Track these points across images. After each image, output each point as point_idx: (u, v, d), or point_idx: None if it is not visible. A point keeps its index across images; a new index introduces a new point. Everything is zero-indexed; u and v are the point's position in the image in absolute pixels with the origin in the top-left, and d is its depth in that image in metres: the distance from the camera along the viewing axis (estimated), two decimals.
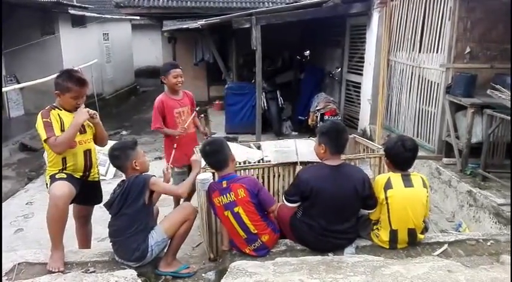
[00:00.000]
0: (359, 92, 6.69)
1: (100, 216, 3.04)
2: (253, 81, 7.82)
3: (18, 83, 9.08)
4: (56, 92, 2.75)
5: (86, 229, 3.19)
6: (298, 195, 2.63)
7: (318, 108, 6.35)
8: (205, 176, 2.81)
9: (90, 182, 2.97)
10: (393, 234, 2.65)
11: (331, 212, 2.60)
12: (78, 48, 10.14)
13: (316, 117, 6.47)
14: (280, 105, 7.25)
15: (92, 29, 11.37)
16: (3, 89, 5.53)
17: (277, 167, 3.17)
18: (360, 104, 6.62)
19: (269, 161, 3.20)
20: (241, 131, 7.22)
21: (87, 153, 2.89)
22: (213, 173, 3.04)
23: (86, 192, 2.93)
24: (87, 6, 10.33)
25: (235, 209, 2.61)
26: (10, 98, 8.98)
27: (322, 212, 2.61)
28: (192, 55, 10.54)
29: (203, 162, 3.15)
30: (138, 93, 15.29)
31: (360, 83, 6.58)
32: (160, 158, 6.67)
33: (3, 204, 4.61)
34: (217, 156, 2.68)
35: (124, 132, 9.41)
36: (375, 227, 2.73)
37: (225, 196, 2.63)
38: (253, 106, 7.30)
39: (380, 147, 3.52)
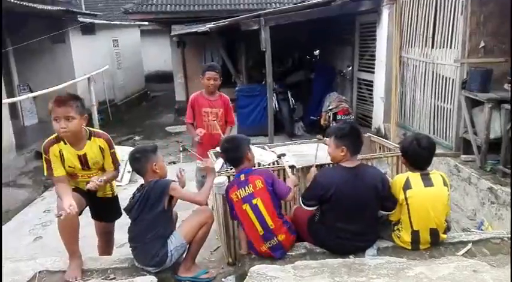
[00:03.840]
0: (371, 90, 6.62)
1: (119, 222, 3.04)
2: (263, 82, 7.82)
3: (31, 91, 9.19)
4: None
5: (108, 246, 3.19)
6: (316, 199, 2.60)
7: (330, 107, 6.30)
8: (221, 179, 2.81)
9: (101, 198, 2.94)
10: (415, 235, 2.60)
11: (351, 214, 2.56)
12: (88, 55, 10.23)
13: (329, 117, 6.42)
14: (292, 106, 7.22)
15: (101, 36, 11.46)
16: (17, 99, 5.57)
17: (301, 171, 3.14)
18: (372, 102, 6.56)
19: (292, 166, 3.15)
20: (253, 133, 7.16)
21: (87, 181, 2.76)
22: (228, 177, 3.03)
23: (99, 207, 2.94)
24: (96, 13, 10.41)
25: (254, 201, 2.61)
26: (24, 107, 9.09)
27: (342, 215, 2.57)
28: (201, 58, 10.57)
29: (218, 165, 3.15)
30: (148, 98, 15.38)
31: (371, 81, 6.51)
32: (174, 163, 6.68)
33: (21, 213, 4.66)
34: (234, 153, 2.72)
35: (137, 138, 9.46)
36: (395, 228, 2.68)
37: (243, 189, 2.64)
38: (265, 108, 7.29)
39: (396, 145, 3.47)
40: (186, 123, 4.01)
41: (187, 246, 2.71)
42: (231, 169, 3.24)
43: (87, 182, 2.70)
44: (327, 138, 2.74)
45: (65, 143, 2.64)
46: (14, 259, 3.33)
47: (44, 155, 2.61)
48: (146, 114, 12.46)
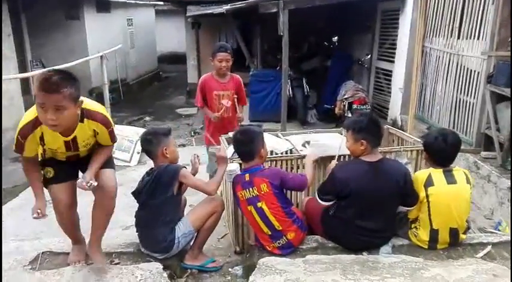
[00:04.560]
0: (389, 80, 6.42)
1: (126, 203, 2.95)
2: (278, 68, 7.65)
3: (44, 67, 9.14)
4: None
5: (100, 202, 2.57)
6: (333, 194, 2.48)
7: (346, 96, 6.11)
8: (233, 166, 2.70)
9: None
10: (434, 234, 2.47)
11: (370, 211, 2.44)
12: (102, 33, 10.11)
13: (344, 106, 6.24)
14: (306, 93, 7.05)
15: (116, 14, 11.33)
16: (29, 74, 5.49)
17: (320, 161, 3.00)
18: (390, 92, 6.36)
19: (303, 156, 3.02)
20: (265, 119, 7.07)
21: (74, 157, 2.40)
22: (240, 164, 2.92)
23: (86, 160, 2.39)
24: None
25: (259, 205, 2.49)
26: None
27: (360, 211, 2.44)
28: (216, 41, 10.38)
29: (230, 151, 3.04)
30: (160, 79, 15.28)
31: (390, 71, 6.31)
32: (183, 145, 6.60)
33: (26, 190, 4.61)
34: (245, 146, 2.56)
35: (147, 118, 9.38)
36: (412, 226, 2.57)
37: (247, 190, 2.51)
38: (278, 94, 7.13)
39: (416, 139, 3.32)
40: (198, 106, 3.87)
41: (195, 233, 2.63)
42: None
43: (70, 157, 2.37)
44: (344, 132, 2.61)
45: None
46: (18, 238, 3.30)
47: (17, 136, 2.16)
48: (157, 95, 12.37)
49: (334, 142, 3.30)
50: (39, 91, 1.96)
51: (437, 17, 5.16)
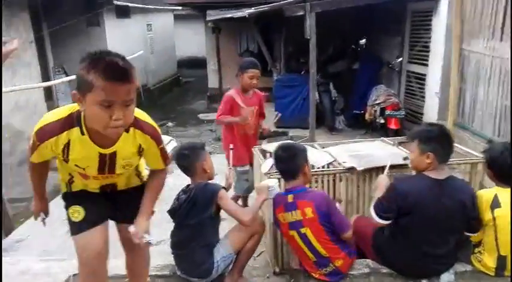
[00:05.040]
0: (422, 84, 6.13)
1: (157, 219, 2.79)
2: (302, 72, 7.43)
3: (66, 74, 9.13)
4: (74, 93, 1.53)
5: (141, 264, 2.19)
6: (393, 212, 2.23)
7: (377, 102, 5.86)
8: (271, 182, 2.51)
9: (123, 190, 2.02)
10: (501, 260, 2.23)
11: (433, 234, 2.20)
12: (122, 39, 10.08)
13: (375, 111, 5.99)
14: (333, 98, 6.82)
15: (136, 20, 11.31)
16: (53, 82, 5.42)
17: (362, 174, 2.79)
18: (423, 97, 6.07)
19: (352, 168, 2.79)
20: (291, 125, 6.87)
21: (110, 186, 1.97)
22: (279, 179, 2.73)
23: (122, 202, 2.01)
24: None
25: (302, 230, 2.28)
26: (58, 89, 9.03)
27: (422, 233, 2.20)
28: (236, 45, 10.25)
29: (266, 165, 2.85)
30: (180, 83, 15.24)
31: (424, 75, 6.02)
32: (210, 153, 6.42)
33: (53, 202, 4.49)
34: (288, 164, 2.34)
35: (170, 124, 9.30)
36: (476, 250, 2.33)
37: (290, 213, 2.30)
38: (304, 99, 6.93)
39: (468, 151, 3.06)
40: (218, 120, 3.61)
41: (235, 256, 2.44)
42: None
43: (105, 184, 1.92)
44: (408, 142, 2.37)
45: (83, 133, 1.64)
46: (46, 258, 3.16)
47: (33, 139, 1.68)
48: (178, 100, 12.30)
49: (379, 152, 3.08)
50: (106, 81, 1.43)
51: (476, 18, 4.86)
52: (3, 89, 2.86)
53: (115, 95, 1.47)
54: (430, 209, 2.16)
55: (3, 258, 3.24)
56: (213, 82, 11.22)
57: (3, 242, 3.56)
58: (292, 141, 2.87)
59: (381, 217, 2.26)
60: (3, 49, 1.68)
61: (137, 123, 1.71)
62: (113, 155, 1.73)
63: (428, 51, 5.87)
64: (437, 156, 2.18)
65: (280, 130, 6.67)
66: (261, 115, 3.78)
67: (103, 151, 1.71)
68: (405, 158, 2.83)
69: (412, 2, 6.05)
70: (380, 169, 2.75)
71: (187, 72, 16.13)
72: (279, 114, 3.72)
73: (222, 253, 2.37)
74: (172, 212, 2.42)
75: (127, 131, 1.70)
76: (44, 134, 1.64)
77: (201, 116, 9.93)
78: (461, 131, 5.11)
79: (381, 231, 2.35)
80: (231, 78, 10.88)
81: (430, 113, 5.79)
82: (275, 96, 7.17)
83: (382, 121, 5.84)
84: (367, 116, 6.16)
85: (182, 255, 2.40)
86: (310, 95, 5.83)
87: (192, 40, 16.28)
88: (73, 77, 5.53)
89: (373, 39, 7.17)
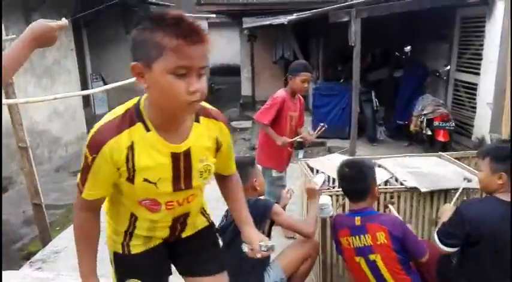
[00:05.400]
0: (472, 94, 5.76)
1: None
2: (341, 80, 7.19)
3: (104, 81, 9.25)
4: (135, 65, 1.20)
5: None
6: (459, 239, 1.98)
7: (424, 112, 5.53)
8: (324, 200, 2.31)
9: (189, 236, 1.63)
10: None
11: (506, 264, 1.93)
12: None
13: (421, 122, 5.66)
14: (376, 108, 6.53)
15: None
16: (91, 91, 5.41)
17: (423, 194, 2.54)
18: (473, 107, 5.70)
19: (414, 188, 2.54)
20: (329, 135, 6.60)
21: (181, 219, 1.53)
22: (331, 196, 2.52)
23: (190, 252, 1.64)
24: (168, 4, 10.29)
25: (371, 257, 2.05)
26: (96, 96, 9.16)
27: (495, 264, 1.93)
28: (272, 52, 10.12)
29: (318, 181, 2.64)
30: (212, 91, 15.23)
31: (474, 84, 5.66)
32: None
33: None
34: (357, 184, 2.12)
35: None
36: None
37: (357, 237, 2.07)
38: (344, 109, 6.69)
39: None
40: (262, 123, 3.36)
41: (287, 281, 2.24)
42: (333, 187, 2.73)
43: (177, 216, 1.48)
44: (479, 160, 2.12)
45: (148, 129, 1.28)
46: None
47: (85, 153, 1.28)
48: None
49: (441, 171, 2.82)
50: (180, 41, 1.11)
51: None
52: (46, 97, 2.78)
53: (192, 59, 1.14)
54: (504, 237, 1.89)
55: (41, 271, 3.17)
56: (246, 90, 11.13)
57: (41, 252, 3.50)
58: (358, 157, 2.65)
59: (445, 244, 2.02)
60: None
61: (205, 111, 1.39)
62: (188, 154, 1.34)
63: (479, 59, 5.51)
64: (511, 177, 1.93)
65: (319, 140, 6.43)
66: (300, 123, 3.60)
67: (176, 149, 1.31)
68: (466, 179, 2.58)
69: (463, 7, 5.72)
70: (444, 192, 2.52)
71: (220, 80, 16.12)
72: (325, 126, 3.51)
73: (273, 277, 2.18)
74: (221, 230, 2.24)
75: (197, 120, 1.36)
76: (100, 140, 1.24)
77: (234, 123, 9.80)
78: None
79: (447, 258, 2.10)
80: (264, 86, 10.78)
81: (482, 124, 5.42)
82: (313, 105, 6.95)
83: (429, 133, 5.51)
84: (412, 127, 5.84)
85: (231, 279, 2.22)
86: (352, 105, 5.58)
87: (225, 47, 16.30)
88: (112, 85, 5.53)
89: (418, 46, 6.84)
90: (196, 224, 1.62)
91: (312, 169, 3.02)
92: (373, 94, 6.52)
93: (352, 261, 2.13)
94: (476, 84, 5.61)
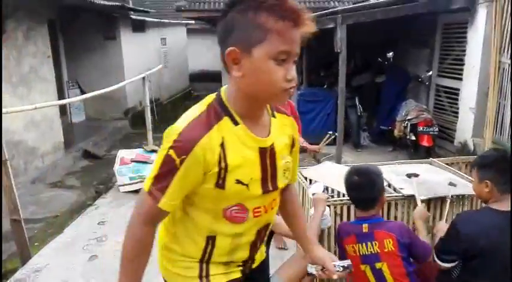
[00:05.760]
0: (453, 99, 5.86)
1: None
2: (325, 86, 7.19)
3: (80, 88, 9.00)
4: (232, 50, 1.08)
5: None
6: (457, 254, 1.94)
7: (409, 117, 5.57)
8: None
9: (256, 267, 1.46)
10: None
11: (506, 276, 1.90)
12: (138, 53, 9.97)
13: (404, 127, 5.70)
14: (360, 113, 6.55)
15: (151, 34, 11.21)
16: (67, 101, 5.23)
17: (424, 203, 2.50)
18: (455, 112, 5.79)
19: (411, 195, 2.51)
20: (314, 141, 6.57)
21: (263, 233, 1.36)
22: (329, 206, 2.47)
23: None
24: (148, 10, 10.13)
25: (378, 265, 2.00)
26: (72, 104, 8.89)
27: (494, 277, 1.91)
28: None
29: (315, 189, 2.59)
30: (192, 97, 15.08)
31: (456, 89, 5.75)
32: None
33: (73, 224, 4.26)
34: (366, 192, 2.06)
35: None
36: None
37: (364, 245, 2.02)
38: (328, 114, 6.68)
39: None
40: None
41: None
42: (332, 196, 2.67)
43: (261, 227, 1.32)
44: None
45: (236, 123, 1.16)
46: None
47: (168, 155, 1.10)
48: None
49: (434, 178, 2.80)
50: (286, 24, 1.04)
51: None
52: (26, 107, 2.62)
53: (294, 44, 1.07)
54: (503, 250, 1.86)
55: None
56: None
57: (20, 271, 3.30)
58: (367, 164, 2.60)
59: (443, 260, 1.98)
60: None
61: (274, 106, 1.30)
62: (272, 150, 1.24)
63: (461, 65, 5.61)
64: (496, 185, 1.91)
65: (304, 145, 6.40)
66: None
67: (263, 144, 1.20)
68: (451, 184, 2.57)
69: (445, 13, 5.81)
70: (440, 199, 2.51)
71: (198, 86, 15.98)
72: (334, 135, 3.41)
73: None
74: None
75: (273, 115, 1.28)
76: (190, 138, 1.09)
77: None
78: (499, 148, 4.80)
79: (447, 272, 2.05)
80: None
81: (464, 129, 5.51)
82: (298, 111, 6.90)
83: (413, 138, 5.55)
84: (396, 132, 5.88)
85: None
86: (339, 110, 5.57)
87: (204, 53, 16.20)
88: (90, 94, 5.34)
89: (400, 51, 6.93)
90: (262, 250, 1.44)
91: (305, 178, 2.96)
92: (357, 99, 6.54)
93: (357, 270, 2.06)
94: (458, 89, 5.70)
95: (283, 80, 1.08)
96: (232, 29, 1.08)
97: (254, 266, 1.42)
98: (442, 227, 2.21)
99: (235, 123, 1.16)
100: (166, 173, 1.11)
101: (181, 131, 1.10)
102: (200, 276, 1.27)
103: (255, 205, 1.24)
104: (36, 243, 4.17)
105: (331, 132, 3.47)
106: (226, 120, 1.15)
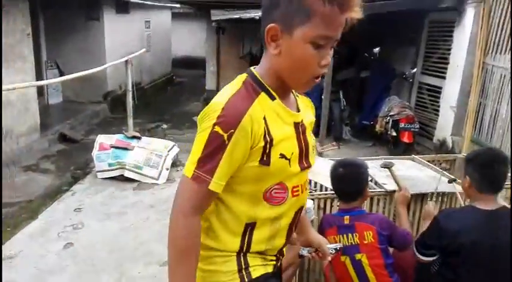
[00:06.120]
0: (435, 97, 5.94)
1: (159, 232, 2.48)
2: None
3: (59, 69, 8.73)
4: (272, 27, 1.06)
5: None
6: (437, 249, 1.96)
7: (391, 113, 5.62)
8: (307, 204, 2.23)
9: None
10: None
11: (487, 275, 1.94)
12: (120, 35, 9.69)
13: (386, 123, 5.75)
14: (343, 108, 6.58)
15: (135, 16, 10.93)
16: (46, 82, 5.05)
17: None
18: (436, 110, 5.88)
19: (393, 192, 2.52)
20: None
21: (298, 215, 1.31)
22: (313, 199, 2.46)
23: None
24: None
25: (357, 256, 2.02)
26: (50, 84, 8.61)
27: (475, 273, 1.94)
28: (239, 47, 9.97)
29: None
30: (174, 83, 14.86)
31: (439, 87, 5.83)
32: None
33: (47, 210, 4.14)
34: (350, 185, 2.08)
35: (164, 126, 8.91)
36: None
37: (345, 236, 2.04)
38: None
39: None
40: None
41: None
42: (315, 190, 2.67)
43: (299, 208, 1.28)
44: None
45: (272, 97, 1.15)
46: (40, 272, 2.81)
47: (214, 131, 1.05)
48: (172, 101, 11.90)
49: (417, 174, 2.83)
50: (334, 7, 1.01)
51: (503, 32, 4.69)
52: (5, 87, 2.51)
53: (336, 30, 1.06)
54: (484, 248, 1.88)
55: None
56: (210, 84, 10.88)
57: None
58: (353, 158, 2.58)
59: (423, 253, 2.01)
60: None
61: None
62: (303, 125, 1.23)
63: (445, 63, 5.68)
64: (474, 182, 1.92)
65: None
66: None
67: (296, 118, 1.20)
68: (450, 181, 2.60)
69: (433, 11, 5.84)
70: (421, 195, 2.53)
71: (181, 72, 15.74)
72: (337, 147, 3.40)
73: None
74: None
75: (296, 95, 1.28)
76: (237, 111, 1.05)
77: (196, 118, 9.59)
78: (477, 148, 4.91)
79: (426, 266, 2.08)
80: (229, 81, 10.54)
81: (444, 127, 5.60)
82: None
83: (394, 134, 5.61)
84: (377, 128, 5.93)
85: None
86: (323, 104, 5.57)
87: (188, 39, 15.95)
88: (71, 76, 5.17)
89: (386, 48, 6.96)
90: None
91: None
92: (341, 94, 6.55)
93: (336, 261, 2.08)
94: (440, 88, 5.78)
95: (317, 66, 1.08)
96: (277, 5, 1.06)
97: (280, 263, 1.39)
98: (430, 210, 2.23)
99: (272, 98, 1.15)
100: (214, 151, 1.06)
101: (225, 106, 1.06)
102: (239, 270, 1.21)
103: (293, 183, 1.21)
104: (8, 228, 4.04)
105: (334, 143, 3.40)
106: (263, 95, 1.14)
